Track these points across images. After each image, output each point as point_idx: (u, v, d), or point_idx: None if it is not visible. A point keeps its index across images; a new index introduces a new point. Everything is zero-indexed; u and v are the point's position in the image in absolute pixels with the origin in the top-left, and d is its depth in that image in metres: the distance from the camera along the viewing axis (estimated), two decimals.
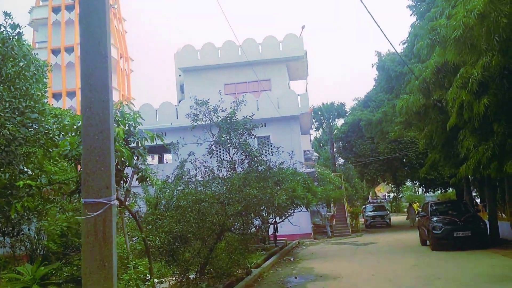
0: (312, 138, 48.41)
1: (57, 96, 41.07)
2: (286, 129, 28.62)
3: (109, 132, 4.45)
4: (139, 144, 8.77)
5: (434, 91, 14.64)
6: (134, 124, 9.22)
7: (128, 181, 9.14)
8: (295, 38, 30.25)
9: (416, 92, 14.50)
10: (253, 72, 30.07)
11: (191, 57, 30.32)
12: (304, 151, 37.00)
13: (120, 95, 42.95)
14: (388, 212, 39.73)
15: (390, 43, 25.22)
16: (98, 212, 4.35)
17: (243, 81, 30.00)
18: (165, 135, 27.10)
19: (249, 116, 13.19)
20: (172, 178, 12.70)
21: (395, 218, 45.52)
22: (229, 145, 12.68)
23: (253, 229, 13.07)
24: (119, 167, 8.47)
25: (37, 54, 11.15)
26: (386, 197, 70.99)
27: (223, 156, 13.88)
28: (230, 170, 12.24)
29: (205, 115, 12.61)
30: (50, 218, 8.93)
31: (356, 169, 35.23)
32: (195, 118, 12.42)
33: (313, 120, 45.44)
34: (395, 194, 63.41)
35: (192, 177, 11.73)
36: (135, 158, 9.12)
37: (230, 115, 12.89)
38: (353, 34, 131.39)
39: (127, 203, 9.43)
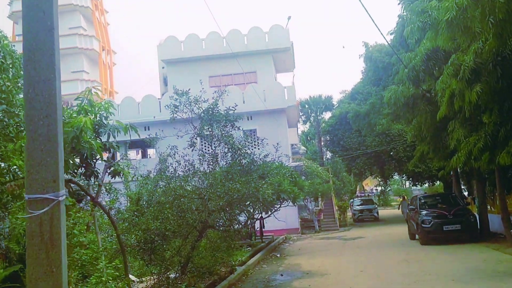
0: (299, 132, 47.96)
1: None
2: (273, 123, 28.08)
3: (56, 116, 3.82)
4: (111, 136, 8.14)
5: (424, 81, 14.14)
6: (106, 115, 8.61)
7: (100, 175, 8.53)
8: (281, 29, 29.64)
9: (405, 81, 13.98)
10: (238, 64, 29.44)
11: (174, 49, 29.55)
12: (292, 145, 36.55)
13: (103, 88, 41.99)
14: (376, 206, 39.44)
15: (378, 29, 24.51)
16: (43, 210, 3.73)
17: (228, 73, 29.33)
18: (148, 129, 26.43)
19: (232, 107, 12.55)
20: (154, 173, 12.06)
21: (383, 212, 45.31)
22: (211, 137, 12.04)
23: (238, 225, 12.46)
24: (88, 160, 7.85)
25: (14, 46, 10.46)
26: (374, 191, 70.93)
27: (206, 149, 13.26)
28: (212, 163, 11.63)
29: (185, 106, 11.97)
30: (11, 216, 8.27)
31: (344, 163, 34.82)
32: (175, 109, 11.77)
33: (300, 114, 44.91)
34: (383, 187, 63.31)
35: (173, 172, 11.09)
36: (108, 151, 8.51)
37: (212, 106, 12.24)
38: (340, 25, 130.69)
39: (100, 199, 8.84)
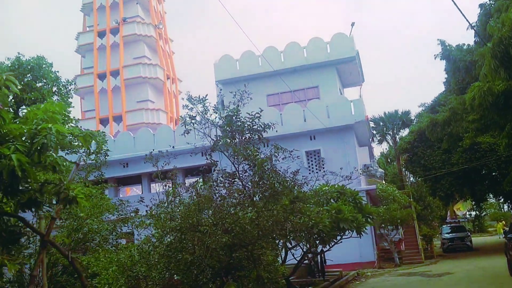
0: (374, 151, 44.00)
1: (104, 121, 40.09)
2: (339, 142, 24.97)
3: None
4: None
5: None
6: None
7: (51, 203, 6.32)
8: (344, 38, 26.73)
9: (489, 63, 10.45)
10: (298, 79, 26.91)
11: (229, 68, 27.66)
12: (365, 166, 32.99)
13: (168, 117, 41.26)
14: (469, 233, 34.39)
15: (464, 16, 20.43)
16: None
17: (287, 90, 26.78)
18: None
19: (257, 113, 9.93)
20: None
21: (478, 240, 39.78)
22: (234, 154, 9.50)
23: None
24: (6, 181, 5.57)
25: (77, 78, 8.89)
26: (467, 215, 63.99)
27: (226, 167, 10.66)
28: (229, 185, 9.07)
29: (202, 115, 9.61)
30: None
31: (427, 184, 30.53)
32: (191, 120, 9.42)
33: (374, 132, 41.13)
34: (477, 212, 56.68)
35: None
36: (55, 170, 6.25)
37: (233, 113, 9.74)
38: (410, 28, 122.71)
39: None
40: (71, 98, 23.84)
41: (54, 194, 6.01)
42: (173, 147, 11.57)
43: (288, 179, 9.57)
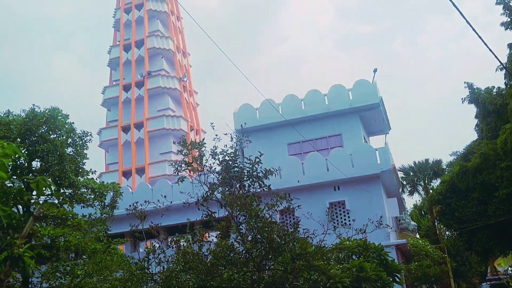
0: (406, 203, 41.92)
1: (127, 173, 39.83)
2: (365, 192, 23.58)
3: None
4: None
5: None
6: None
7: None
8: (367, 84, 25.85)
9: None
10: (320, 127, 25.99)
11: (249, 117, 26.99)
12: (397, 218, 31.19)
13: (190, 170, 40.68)
14: None
15: (495, 56, 19.31)
16: None
17: (309, 138, 25.83)
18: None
19: (257, 157, 8.95)
20: None
21: None
22: (224, 203, 8.46)
23: None
24: None
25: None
26: (509, 271, 59.72)
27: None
28: (222, 238, 7.98)
29: (198, 161, 8.72)
30: None
31: (462, 238, 28.39)
32: (183, 166, 8.53)
33: (404, 182, 39.31)
34: None
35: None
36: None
37: (230, 157, 8.79)
38: (439, 74, 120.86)
39: None
40: (87, 149, 23.37)
41: None
42: (165, 196, 10.66)
43: (289, 232, 8.39)
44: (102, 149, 42.22)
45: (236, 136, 9.41)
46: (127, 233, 23.25)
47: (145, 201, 9.08)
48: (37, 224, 18.34)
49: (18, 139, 18.73)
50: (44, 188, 5.13)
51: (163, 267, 7.36)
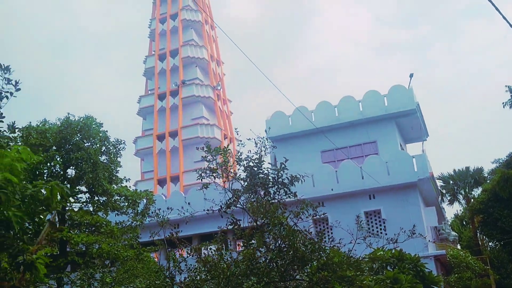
0: (447, 213, 40.45)
1: (162, 182, 40.18)
2: (401, 201, 22.83)
3: None
4: None
5: None
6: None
7: None
8: (403, 90, 25.13)
9: None
10: (354, 134, 25.43)
11: (281, 124, 26.74)
12: (436, 228, 30.11)
13: (224, 175, 40.67)
14: None
15: None
16: None
17: (343, 145, 25.29)
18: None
19: (282, 163, 8.64)
20: None
21: None
22: (257, 211, 8.18)
23: None
24: None
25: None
26: None
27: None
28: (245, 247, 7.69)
29: (223, 168, 8.51)
30: None
31: (506, 250, 27.08)
32: (208, 173, 8.33)
33: (444, 191, 37.96)
34: None
35: None
36: None
37: (254, 163, 8.52)
38: (480, 82, 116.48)
39: None
40: (120, 157, 23.49)
41: (10, 257, 4.98)
42: (189, 203, 10.48)
43: (313, 241, 8.00)
44: (138, 157, 42.78)
45: (260, 141, 9.12)
46: (160, 241, 23.36)
47: (168, 208, 8.90)
48: (71, 231, 18.60)
49: (54, 147, 19.04)
50: (58, 194, 5.00)
51: (184, 277, 7.17)
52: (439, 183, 37.20)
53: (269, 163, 8.82)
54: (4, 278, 4.96)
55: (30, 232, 5.41)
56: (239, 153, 8.71)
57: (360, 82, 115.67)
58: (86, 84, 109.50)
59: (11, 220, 4.86)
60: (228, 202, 8.43)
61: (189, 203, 10.46)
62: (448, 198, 38.97)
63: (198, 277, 6.80)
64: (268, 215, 7.71)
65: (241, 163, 8.77)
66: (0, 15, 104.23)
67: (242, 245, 7.79)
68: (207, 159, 8.69)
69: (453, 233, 39.09)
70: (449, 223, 39.12)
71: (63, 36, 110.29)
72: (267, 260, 7.03)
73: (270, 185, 8.49)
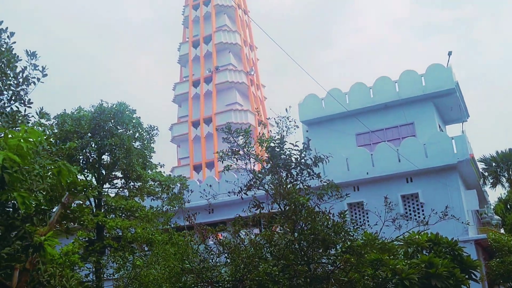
0: (489, 196, 39.00)
1: (197, 167, 40.49)
2: (440, 184, 22.05)
3: None
4: None
5: None
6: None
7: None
8: (441, 69, 24.11)
9: None
10: (390, 116, 24.69)
11: (314, 107, 26.25)
12: (478, 212, 29.07)
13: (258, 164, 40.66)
14: None
15: None
16: None
17: (378, 128, 24.61)
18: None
19: (304, 143, 8.35)
20: None
21: None
22: (279, 194, 7.92)
23: None
24: None
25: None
26: None
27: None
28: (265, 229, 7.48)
29: (243, 150, 8.30)
30: None
31: None
32: (230, 154, 8.15)
33: (486, 174, 36.55)
34: None
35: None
36: None
37: (276, 144, 8.27)
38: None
39: None
40: (154, 143, 23.57)
41: (16, 240, 4.94)
42: (210, 185, 10.37)
43: (335, 222, 7.68)
44: (174, 144, 43.25)
45: (281, 121, 8.84)
46: (197, 225, 23.51)
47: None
48: (107, 216, 18.92)
49: (89, 134, 19.34)
50: (67, 175, 4.92)
51: (201, 260, 7.07)
52: (481, 165, 35.84)
53: (285, 142, 8.50)
54: (16, 259, 4.95)
55: (43, 214, 5.35)
56: (261, 134, 8.48)
57: (400, 65, 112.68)
58: (128, 74, 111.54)
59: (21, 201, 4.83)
60: (249, 184, 8.24)
61: (210, 186, 10.33)
62: (491, 181, 37.52)
63: (212, 260, 6.66)
64: (289, 197, 7.47)
65: (263, 145, 8.54)
66: (53, 7, 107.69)
67: (262, 228, 7.60)
68: (228, 141, 8.51)
69: (496, 216, 37.71)
70: (492, 206, 37.71)
71: (109, 27, 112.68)
72: (287, 243, 6.82)
73: (292, 166, 8.23)
